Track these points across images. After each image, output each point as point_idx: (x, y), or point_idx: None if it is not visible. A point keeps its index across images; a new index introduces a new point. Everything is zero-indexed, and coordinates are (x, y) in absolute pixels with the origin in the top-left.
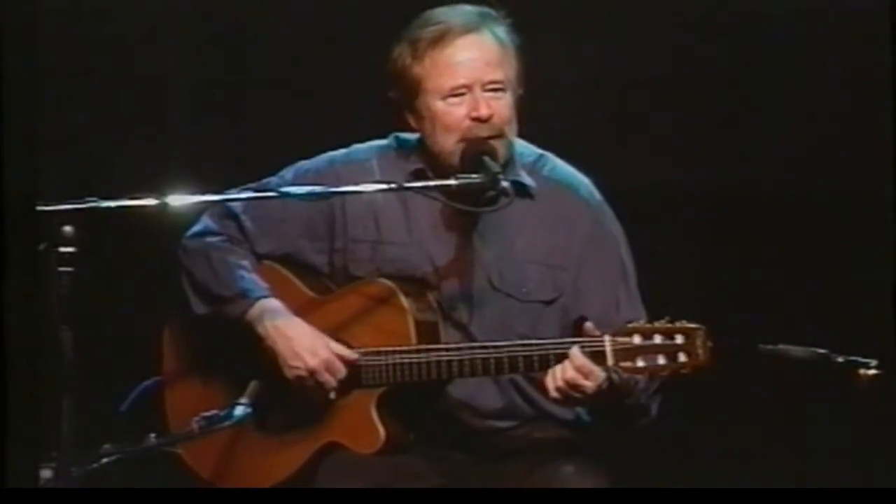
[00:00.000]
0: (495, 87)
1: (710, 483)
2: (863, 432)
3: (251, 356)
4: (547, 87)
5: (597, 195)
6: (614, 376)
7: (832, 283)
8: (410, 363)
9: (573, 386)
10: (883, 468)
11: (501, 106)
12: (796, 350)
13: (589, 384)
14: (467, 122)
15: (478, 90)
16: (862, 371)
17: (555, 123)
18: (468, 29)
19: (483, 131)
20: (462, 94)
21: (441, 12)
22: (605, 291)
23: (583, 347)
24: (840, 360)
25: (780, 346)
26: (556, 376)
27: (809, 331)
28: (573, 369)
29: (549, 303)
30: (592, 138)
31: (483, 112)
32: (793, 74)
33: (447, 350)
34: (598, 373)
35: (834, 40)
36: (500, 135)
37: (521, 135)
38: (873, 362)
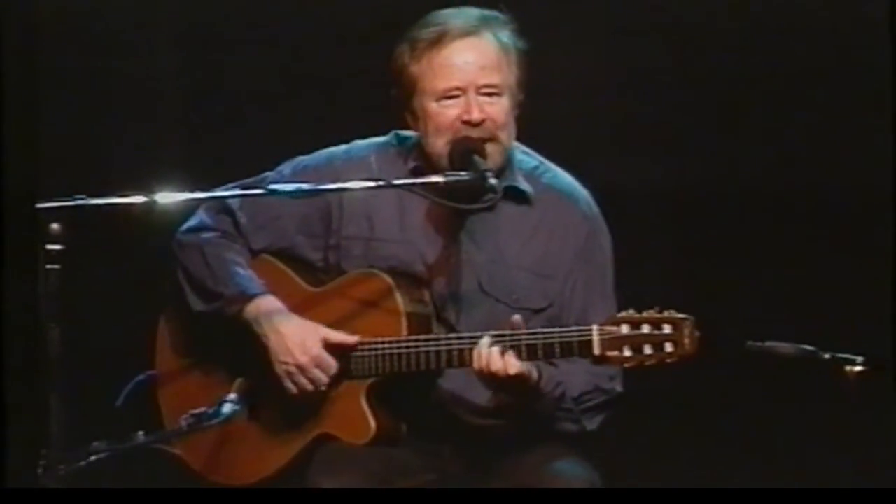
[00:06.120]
0: (490, 92)
1: (697, 481)
2: (850, 429)
3: (246, 351)
4: (543, 86)
5: (594, 208)
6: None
7: (828, 282)
8: (399, 353)
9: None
10: (869, 465)
11: (496, 111)
12: (784, 347)
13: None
14: (458, 125)
15: (472, 93)
16: (849, 368)
17: (550, 123)
18: (467, 32)
19: (474, 134)
20: (456, 97)
21: (444, 14)
22: (585, 306)
23: (570, 336)
24: (827, 356)
25: (768, 343)
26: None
27: (804, 329)
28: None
29: (538, 311)
30: (588, 137)
31: (474, 116)
32: (792, 74)
33: (436, 340)
34: (521, 371)
35: (834, 40)
36: (492, 138)
37: (520, 136)
38: (860, 359)
